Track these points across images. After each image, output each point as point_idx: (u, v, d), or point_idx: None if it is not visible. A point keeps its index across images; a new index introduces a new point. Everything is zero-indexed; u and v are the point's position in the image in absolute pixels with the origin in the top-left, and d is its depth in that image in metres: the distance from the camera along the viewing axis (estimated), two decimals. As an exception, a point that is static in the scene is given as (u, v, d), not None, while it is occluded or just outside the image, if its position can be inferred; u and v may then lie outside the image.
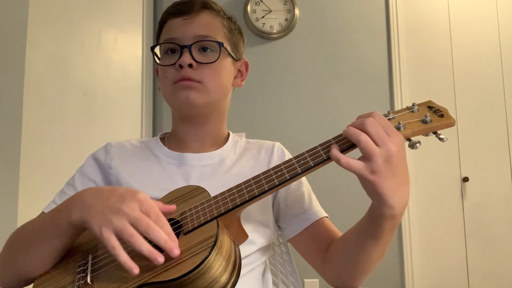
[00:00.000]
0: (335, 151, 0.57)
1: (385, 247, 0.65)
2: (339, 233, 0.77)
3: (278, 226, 0.82)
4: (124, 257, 0.52)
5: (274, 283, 0.87)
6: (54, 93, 1.41)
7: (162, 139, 0.86)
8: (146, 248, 0.52)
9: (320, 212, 0.79)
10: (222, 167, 0.79)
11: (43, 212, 0.76)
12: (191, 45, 0.75)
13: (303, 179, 0.82)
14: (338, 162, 0.56)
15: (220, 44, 0.76)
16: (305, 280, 2.10)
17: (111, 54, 1.82)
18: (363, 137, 0.55)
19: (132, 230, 0.53)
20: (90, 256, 0.62)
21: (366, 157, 0.55)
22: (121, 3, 1.96)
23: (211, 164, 0.80)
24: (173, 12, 0.79)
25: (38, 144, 1.29)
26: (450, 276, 2.28)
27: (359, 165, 0.55)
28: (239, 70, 0.85)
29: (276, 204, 0.80)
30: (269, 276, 0.82)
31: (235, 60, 0.82)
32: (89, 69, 1.65)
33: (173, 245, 0.53)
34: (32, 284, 0.63)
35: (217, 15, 0.80)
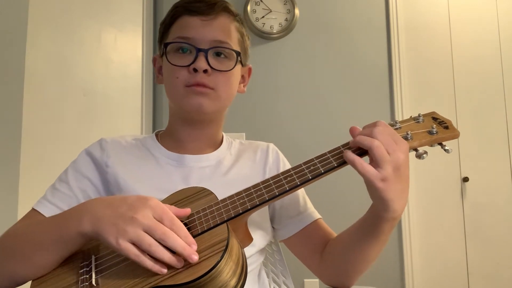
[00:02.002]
0: (350, 154, 0.58)
1: (383, 246, 0.67)
2: (334, 233, 0.78)
3: (273, 227, 0.82)
4: (150, 263, 0.52)
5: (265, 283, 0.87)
6: (54, 93, 1.41)
7: (157, 137, 0.85)
8: (167, 256, 0.53)
9: (315, 213, 0.81)
10: (220, 168, 0.80)
11: (33, 210, 0.73)
12: (208, 49, 0.73)
13: None
14: (353, 164, 0.57)
15: (238, 54, 0.76)
16: (305, 280, 2.10)
17: (111, 54, 1.82)
18: (377, 143, 0.56)
19: (149, 239, 0.52)
20: (93, 257, 0.61)
21: (377, 164, 0.56)
22: (121, 3, 1.96)
23: (209, 166, 0.79)
24: (191, 10, 0.75)
25: (38, 144, 1.29)
26: (450, 276, 2.28)
27: (373, 171, 0.56)
28: (242, 76, 0.84)
29: (271, 205, 0.81)
30: (264, 276, 0.83)
31: (243, 66, 0.82)
32: (89, 69, 1.64)
33: (191, 251, 0.53)
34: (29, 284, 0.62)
35: (234, 20, 0.79)
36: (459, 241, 2.31)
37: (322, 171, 0.60)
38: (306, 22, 2.35)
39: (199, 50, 0.72)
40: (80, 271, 0.59)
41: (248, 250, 0.72)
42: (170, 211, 0.56)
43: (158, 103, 2.26)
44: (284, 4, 2.32)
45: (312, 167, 0.60)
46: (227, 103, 0.79)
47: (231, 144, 0.87)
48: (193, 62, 0.72)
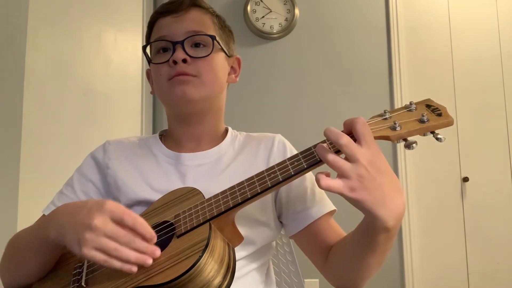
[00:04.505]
0: (318, 175, 0.54)
1: (383, 255, 0.63)
2: (342, 232, 0.75)
3: (281, 222, 0.80)
4: (119, 264, 0.53)
5: (276, 283, 0.86)
6: (54, 93, 1.41)
7: (161, 137, 0.86)
8: (133, 256, 0.53)
9: (323, 208, 0.76)
10: (219, 165, 0.78)
11: (43, 215, 0.76)
12: (184, 40, 0.74)
13: (308, 173, 0.80)
14: (318, 183, 0.53)
15: (213, 37, 0.76)
16: (305, 280, 2.10)
17: (111, 54, 1.82)
18: (330, 157, 0.53)
19: (113, 244, 0.53)
20: (86, 259, 0.62)
21: (341, 176, 0.53)
22: (121, 3, 1.96)
23: (207, 163, 0.78)
24: (162, 12, 0.79)
25: (38, 144, 1.29)
26: (450, 276, 2.28)
27: (338, 184, 0.52)
28: (232, 67, 0.85)
29: (278, 200, 0.78)
30: (272, 276, 0.81)
31: (228, 56, 0.82)
32: (89, 69, 1.65)
33: (152, 249, 0.55)
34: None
35: (207, 12, 0.81)
36: (459, 241, 2.31)
37: (305, 166, 0.58)
38: (306, 22, 2.35)
39: (175, 43, 0.74)
40: (73, 272, 0.62)
41: (248, 249, 0.71)
42: (128, 211, 0.56)
43: (158, 103, 2.26)
44: (284, 4, 2.32)
45: (296, 163, 0.59)
46: (214, 89, 0.78)
47: (236, 137, 0.85)
48: (171, 56, 0.74)
